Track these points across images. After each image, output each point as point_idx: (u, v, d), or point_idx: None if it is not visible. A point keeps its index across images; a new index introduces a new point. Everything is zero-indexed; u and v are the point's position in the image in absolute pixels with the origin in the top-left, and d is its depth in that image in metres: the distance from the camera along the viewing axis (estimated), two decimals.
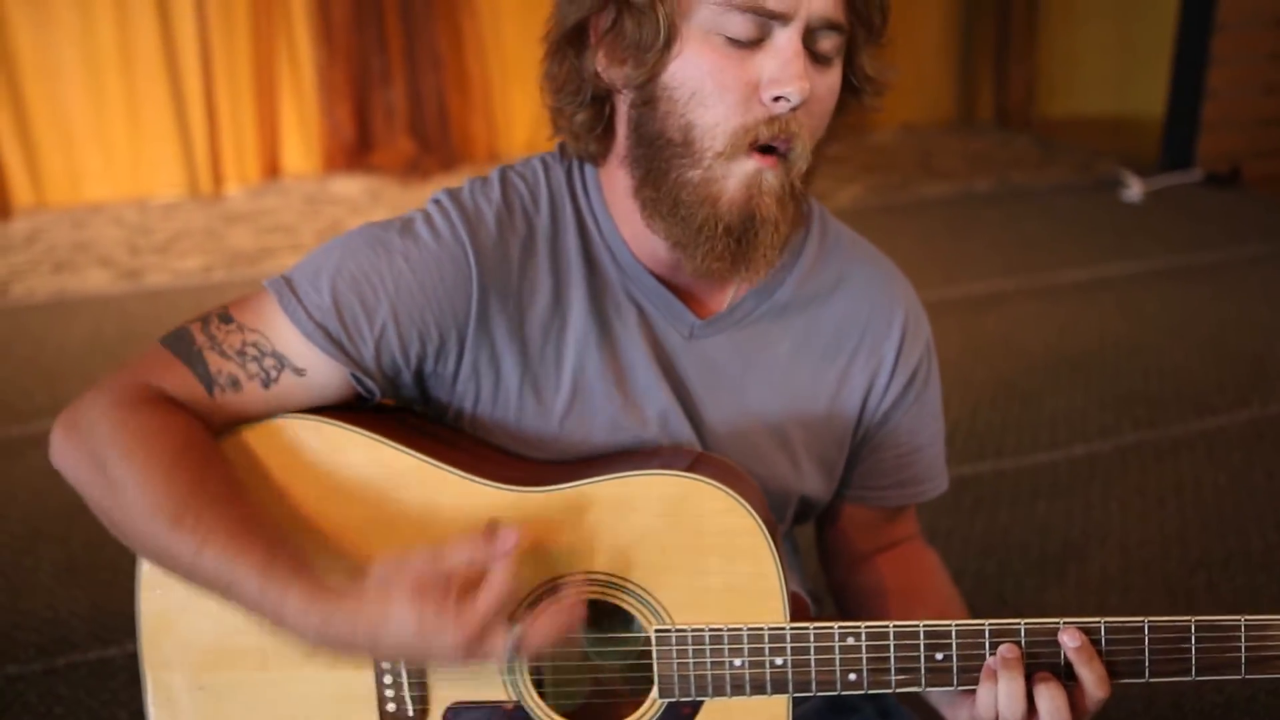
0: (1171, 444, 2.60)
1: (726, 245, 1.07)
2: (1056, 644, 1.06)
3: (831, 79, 1.07)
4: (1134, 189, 4.63)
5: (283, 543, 1.03)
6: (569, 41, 1.11)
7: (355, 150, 5.04)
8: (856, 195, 4.53)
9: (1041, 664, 1.07)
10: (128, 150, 4.75)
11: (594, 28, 1.08)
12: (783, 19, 1.00)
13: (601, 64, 1.08)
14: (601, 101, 1.11)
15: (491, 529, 0.99)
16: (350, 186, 4.86)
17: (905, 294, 1.28)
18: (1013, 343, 3.17)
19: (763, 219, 1.06)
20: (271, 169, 4.98)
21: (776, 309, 1.21)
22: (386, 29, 4.92)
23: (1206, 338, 3.23)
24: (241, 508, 1.04)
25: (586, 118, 1.12)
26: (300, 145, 5.03)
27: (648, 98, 1.05)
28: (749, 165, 1.04)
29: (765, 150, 1.04)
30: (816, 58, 1.04)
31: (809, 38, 1.02)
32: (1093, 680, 1.05)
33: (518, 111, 5.32)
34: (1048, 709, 1.04)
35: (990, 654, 1.07)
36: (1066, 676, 1.06)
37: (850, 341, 1.24)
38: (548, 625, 0.99)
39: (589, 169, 1.18)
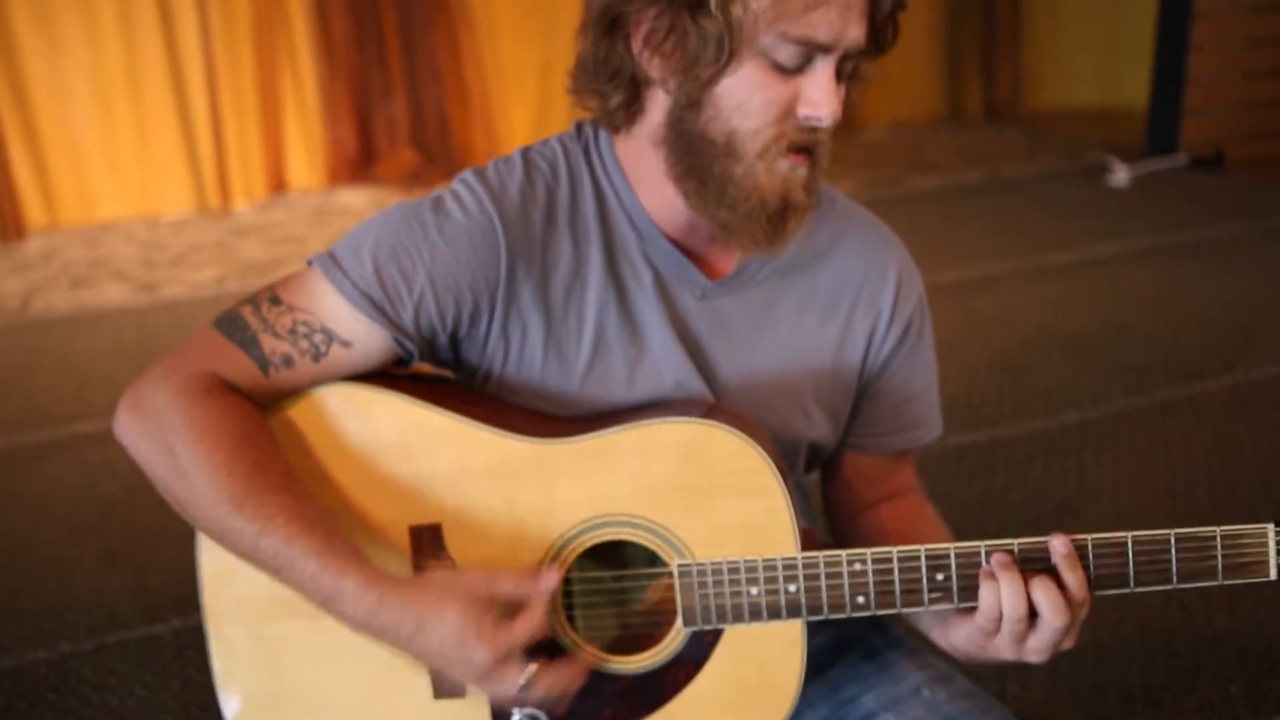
0: (1160, 409, 2.71)
1: (766, 229, 1.18)
2: (1047, 558, 1.15)
3: (845, 92, 1.18)
4: (1120, 174, 4.74)
5: (338, 531, 1.13)
6: (612, 29, 1.20)
7: (358, 163, 5.15)
8: (850, 191, 4.62)
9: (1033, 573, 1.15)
10: (137, 170, 4.86)
11: (639, 21, 1.18)
12: (827, 50, 1.12)
13: (649, 63, 1.18)
14: (638, 87, 1.21)
15: (537, 569, 1.10)
16: (355, 198, 4.98)
17: (898, 251, 1.38)
18: (1007, 321, 3.28)
19: (795, 206, 1.18)
20: (277, 184, 5.09)
21: (780, 269, 1.31)
22: (386, 44, 5.04)
23: (1192, 311, 3.34)
24: (299, 496, 1.14)
25: (622, 100, 1.22)
26: (305, 159, 5.15)
27: (694, 102, 1.16)
28: (784, 164, 1.16)
29: (799, 151, 1.16)
30: (839, 77, 1.16)
31: (840, 62, 1.14)
32: (1075, 584, 1.13)
33: (516, 121, 5.44)
34: (1048, 602, 1.11)
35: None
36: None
37: (849, 296, 1.33)
38: (556, 677, 1.10)
39: (604, 142, 1.27)
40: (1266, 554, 1.14)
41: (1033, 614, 1.13)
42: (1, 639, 2.05)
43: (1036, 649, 1.14)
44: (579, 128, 1.31)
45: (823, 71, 1.12)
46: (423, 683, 1.21)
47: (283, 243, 4.45)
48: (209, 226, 4.75)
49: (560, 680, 1.11)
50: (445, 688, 1.21)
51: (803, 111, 1.13)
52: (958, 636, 1.20)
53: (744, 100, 1.13)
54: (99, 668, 1.95)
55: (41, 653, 2.00)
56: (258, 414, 1.17)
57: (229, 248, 4.45)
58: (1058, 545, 1.13)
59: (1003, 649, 1.15)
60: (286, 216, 4.81)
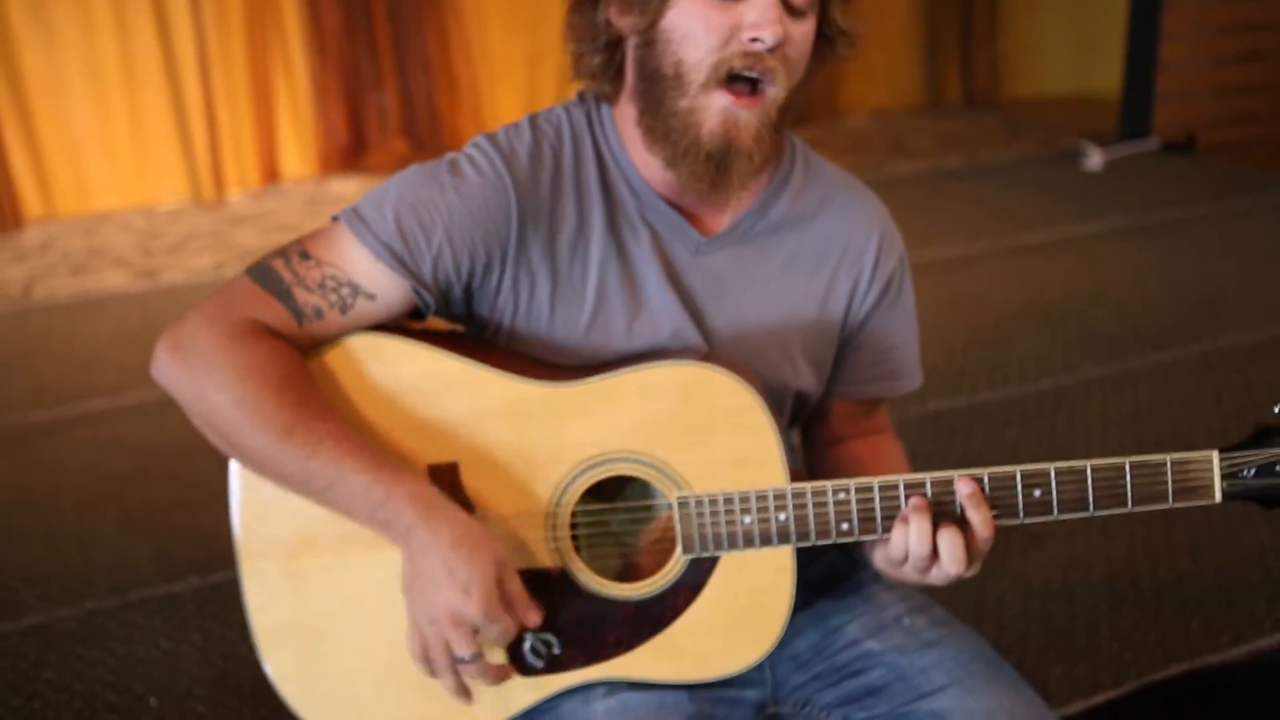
0: (1130, 376, 2.84)
1: (707, 168, 1.27)
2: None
3: (806, 28, 1.28)
4: (1094, 158, 4.87)
5: (382, 450, 1.24)
6: None
7: (350, 152, 5.24)
8: None
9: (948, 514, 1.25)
10: (132, 160, 4.94)
11: None
12: None
13: (613, 14, 1.29)
14: (613, 48, 1.32)
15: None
16: (347, 187, 5.07)
17: (880, 214, 1.48)
18: (984, 297, 3.41)
19: (738, 150, 1.27)
20: (270, 173, 5.18)
21: (770, 227, 1.41)
22: (376, 35, 5.13)
23: (1163, 286, 3.48)
24: (342, 421, 1.24)
25: (601, 61, 1.32)
26: (297, 149, 5.23)
27: (649, 40, 1.26)
28: (721, 100, 1.24)
29: (747, 85, 1.24)
30: (793, 10, 1.25)
31: None
32: (979, 523, 1.24)
33: (504, 111, 5.53)
34: (948, 550, 1.24)
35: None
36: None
37: (834, 254, 1.44)
38: (484, 673, 1.24)
39: (605, 110, 1.38)
40: (1211, 478, 1.25)
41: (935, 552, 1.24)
42: (28, 598, 2.14)
43: (937, 579, 1.27)
44: (582, 96, 1.41)
45: None
46: (416, 606, 1.30)
47: (277, 230, 4.54)
48: (204, 216, 4.83)
49: (486, 676, 1.25)
50: None
51: (745, 34, 1.21)
52: (875, 558, 1.32)
53: (688, 29, 1.23)
54: (124, 623, 2.05)
55: (67, 610, 2.10)
56: (298, 356, 1.27)
57: (225, 236, 4.54)
58: (961, 487, 1.24)
59: (908, 577, 1.29)
60: (280, 205, 4.90)
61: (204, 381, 1.23)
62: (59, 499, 2.54)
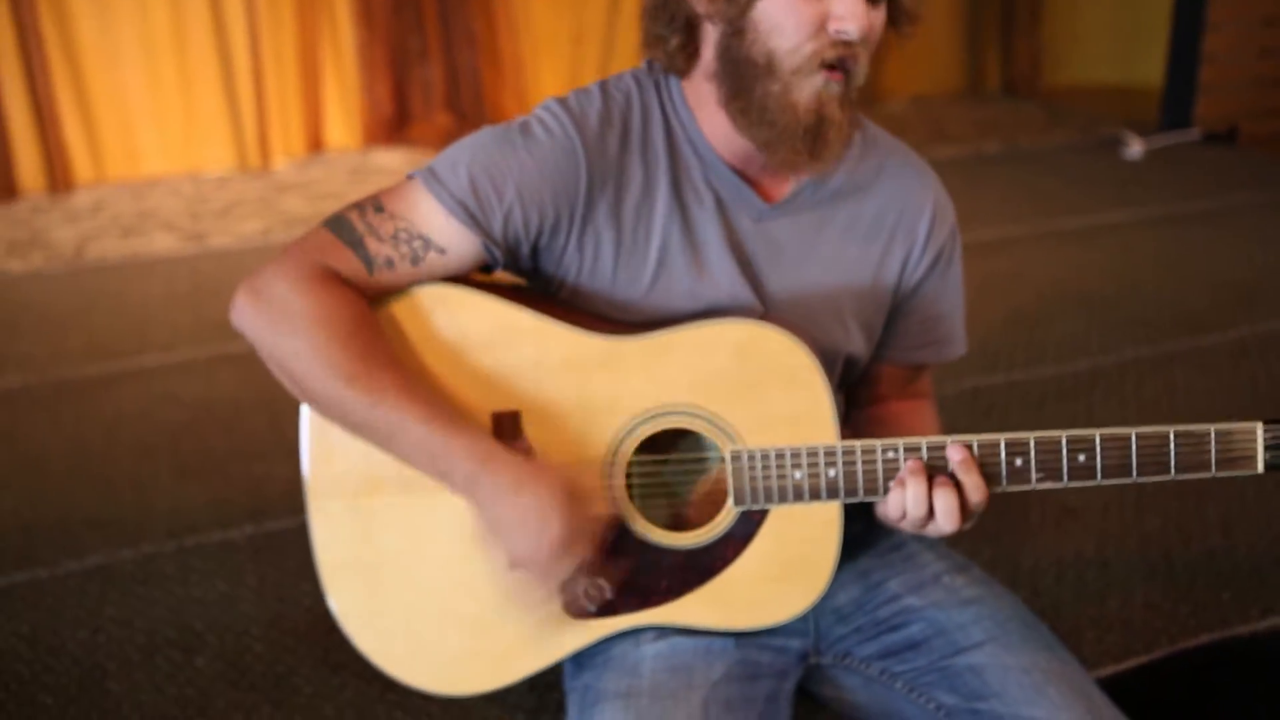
0: (1166, 358, 2.86)
1: (805, 143, 1.32)
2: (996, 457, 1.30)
3: (881, 14, 1.32)
4: (1135, 148, 4.87)
5: (443, 401, 1.29)
6: None
7: (394, 125, 5.30)
8: None
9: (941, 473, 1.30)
10: (181, 127, 5.02)
11: None
12: None
13: (698, 0, 1.34)
14: (692, 28, 1.37)
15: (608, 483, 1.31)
16: (390, 159, 5.13)
17: (934, 184, 1.52)
18: (1023, 279, 3.43)
19: (830, 120, 1.31)
20: (315, 143, 5.25)
21: (829, 196, 1.45)
22: (423, 9, 5.18)
23: (1201, 272, 3.50)
24: (406, 372, 1.29)
25: (680, 41, 1.37)
26: (342, 120, 5.30)
27: (737, 29, 1.30)
28: (817, 79, 1.29)
29: (831, 67, 1.29)
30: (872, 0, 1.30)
31: None
32: (971, 486, 1.29)
33: (547, 87, 5.57)
34: (942, 507, 1.29)
35: (1012, 460, 1.31)
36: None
37: (888, 223, 1.48)
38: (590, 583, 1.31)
39: (674, 80, 1.42)
40: (1255, 449, 1.29)
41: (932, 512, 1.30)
42: (90, 540, 2.22)
43: (934, 533, 1.33)
44: (650, 65, 1.45)
45: None
46: (499, 554, 1.36)
47: (323, 199, 4.60)
48: (250, 183, 4.91)
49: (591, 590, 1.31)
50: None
51: (832, 27, 1.26)
52: (877, 511, 1.36)
53: (779, 21, 1.27)
54: (181, 566, 2.12)
55: (127, 552, 2.17)
56: (366, 305, 1.32)
57: (271, 202, 4.61)
58: (951, 453, 1.30)
59: (906, 531, 1.35)
60: (324, 175, 4.97)
61: (278, 327, 1.28)
62: (116, 448, 2.62)
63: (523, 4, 5.35)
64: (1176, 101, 5.14)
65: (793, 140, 1.31)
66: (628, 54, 5.59)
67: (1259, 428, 1.29)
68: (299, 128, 5.19)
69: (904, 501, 1.30)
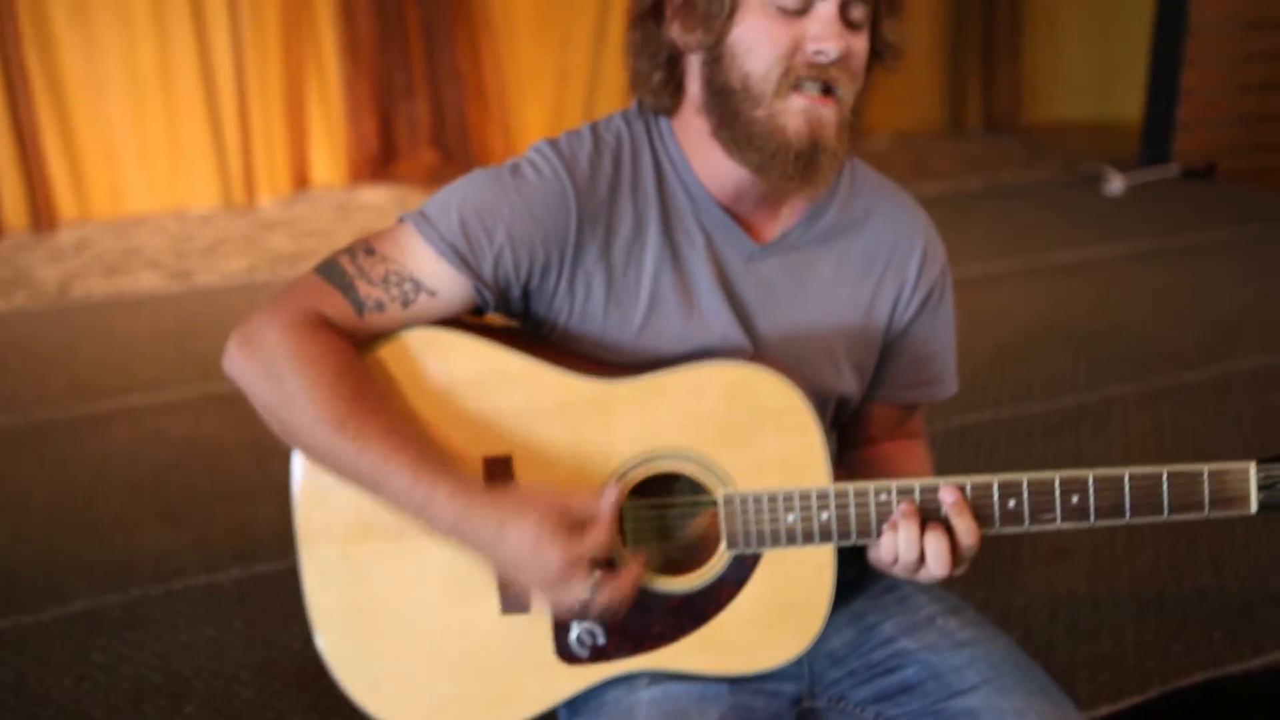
0: (1152, 394, 2.88)
1: (796, 167, 1.31)
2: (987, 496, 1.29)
3: (862, 42, 1.33)
4: (1115, 183, 4.91)
5: (429, 447, 1.28)
6: (649, 15, 1.36)
7: (379, 161, 5.32)
8: None
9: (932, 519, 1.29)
10: (166, 165, 5.02)
11: (669, 4, 1.34)
12: None
13: (676, 32, 1.34)
14: (674, 63, 1.37)
15: (602, 488, 1.26)
16: (376, 195, 5.14)
17: (925, 223, 1.53)
18: (1008, 315, 3.45)
19: (824, 146, 1.31)
20: (301, 180, 5.25)
21: (819, 236, 1.45)
22: (409, 46, 5.21)
23: (1184, 307, 3.53)
24: (393, 418, 1.28)
25: (662, 77, 1.37)
26: (328, 157, 5.31)
27: (716, 56, 1.31)
28: (799, 102, 1.29)
29: (820, 89, 1.28)
30: (851, 25, 1.30)
31: (844, 9, 1.29)
32: (963, 529, 1.29)
33: (531, 124, 5.61)
34: (934, 554, 1.28)
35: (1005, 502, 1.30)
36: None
37: (880, 263, 1.48)
38: (616, 584, 1.25)
39: (663, 120, 1.43)
40: (1249, 489, 1.28)
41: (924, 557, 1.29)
42: (75, 584, 2.20)
43: (925, 579, 1.32)
44: (640, 106, 1.46)
45: (824, 9, 1.26)
46: (491, 600, 1.35)
47: (309, 236, 4.60)
48: (235, 220, 4.91)
49: (620, 587, 1.25)
50: (511, 603, 1.36)
51: (809, 48, 1.26)
52: (868, 555, 1.35)
53: (753, 44, 1.28)
54: (168, 610, 2.10)
55: (114, 596, 2.15)
56: (354, 350, 1.31)
57: (257, 240, 4.61)
58: (944, 495, 1.29)
59: (898, 576, 1.33)
60: (309, 212, 4.97)
61: (267, 373, 1.27)
62: (102, 489, 2.60)
63: (508, 41, 5.39)
64: (1155, 137, 5.20)
65: (784, 164, 1.30)
66: (612, 91, 5.62)
67: (1252, 468, 1.28)
68: (284, 165, 5.20)
69: (896, 545, 1.29)
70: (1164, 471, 1.30)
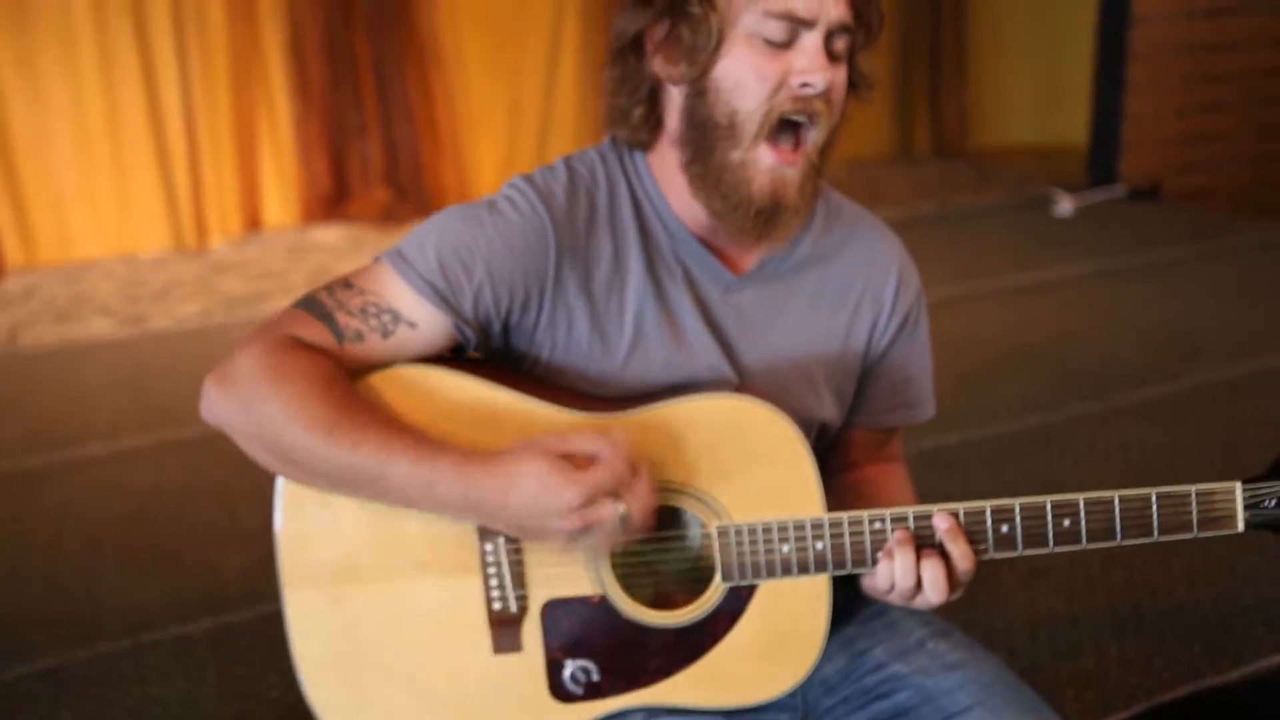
0: (1115, 412, 2.92)
1: (755, 223, 1.33)
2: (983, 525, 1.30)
3: (843, 74, 1.34)
4: (1065, 205, 4.99)
5: (422, 432, 1.26)
6: (629, 50, 1.36)
7: (332, 201, 5.27)
8: None
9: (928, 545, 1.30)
10: (114, 208, 4.94)
11: (650, 35, 1.34)
12: (809, 24, 1.28)
13: (659, 65, 1.34)
14: (655, 98, 1.38)
15: (604, 427, 1.24)
16: (329, 235, 5.10)
17: (899, 251, 1.55)
18: (969, 338, 3.49)
19: (786, 206, 1.33)
20: (253, 221, 5.20)
21: (796, 266, 1.46)
22: (361, 84, 5.19)
23: (1140, 326, 3.59)
24: (383, 415, 1.27)
25: (643, 111, 1.37)
26: (280, 198, 5.26)
27: (700, 90, 1.31)
28: (769, 159, 1.30)
29: (791, 128, 1.30)
30: (833, 56, 1.32)
31: (828, 40, 1.30)
32: (958, 554, 1.30)
33: (485, 160, 5.60)
34: (930, 581, 1.29)
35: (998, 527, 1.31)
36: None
37: (856, 290, 1.49)
38: (641, 499, 1.23)
39: (638, 154, 1.43)
40: (1235, 509, 1.30)
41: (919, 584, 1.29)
42: (39, 641, 2.14)
43: (922, 605, 1.33)
44: (614, 140, 1.46)
45: (810, 42, 1.27)
46: (483, 640, 1.33)
47: (263, 277, 4.56)
48: (186, 264, 4.84)
49: (641, 499, 1.23)
50: (504, 642, 1.34)
51: (795, 80, 1.27)
52: (862, 584, 1.36)
53: (740, 78, 1.28)
54: (138, 664, 2.05)
55: (81, 652, 2.10)
56: (336, 365, 1.29)
57: (210, 283, 4.55)
58: (938, 522, 1.30)
59: (894, 603, 1.34)
60: (262, 254, 4.92)
61: (249, 397, 1.25)
62: (62, 543, 2.54)
63: (459, 78, 5.39)
64: (1101, 159, 5.30)
65: (744, 218, 1.32)
66: (565, 126, 5.64)
67: (1238, 487, 1.30)
68: (235, 206, 5.14)
69: (892, 573, 1.29)
70: (1153, 493, 1.31)
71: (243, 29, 5.01)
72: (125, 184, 4.93)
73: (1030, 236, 4.68)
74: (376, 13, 5.15)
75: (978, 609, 2.07)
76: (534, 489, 1.20)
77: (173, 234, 5.01)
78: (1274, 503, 1.29)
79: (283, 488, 1.32)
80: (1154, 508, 1.30)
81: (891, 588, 1.30)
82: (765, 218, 1.32)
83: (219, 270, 4.72)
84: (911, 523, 1.31)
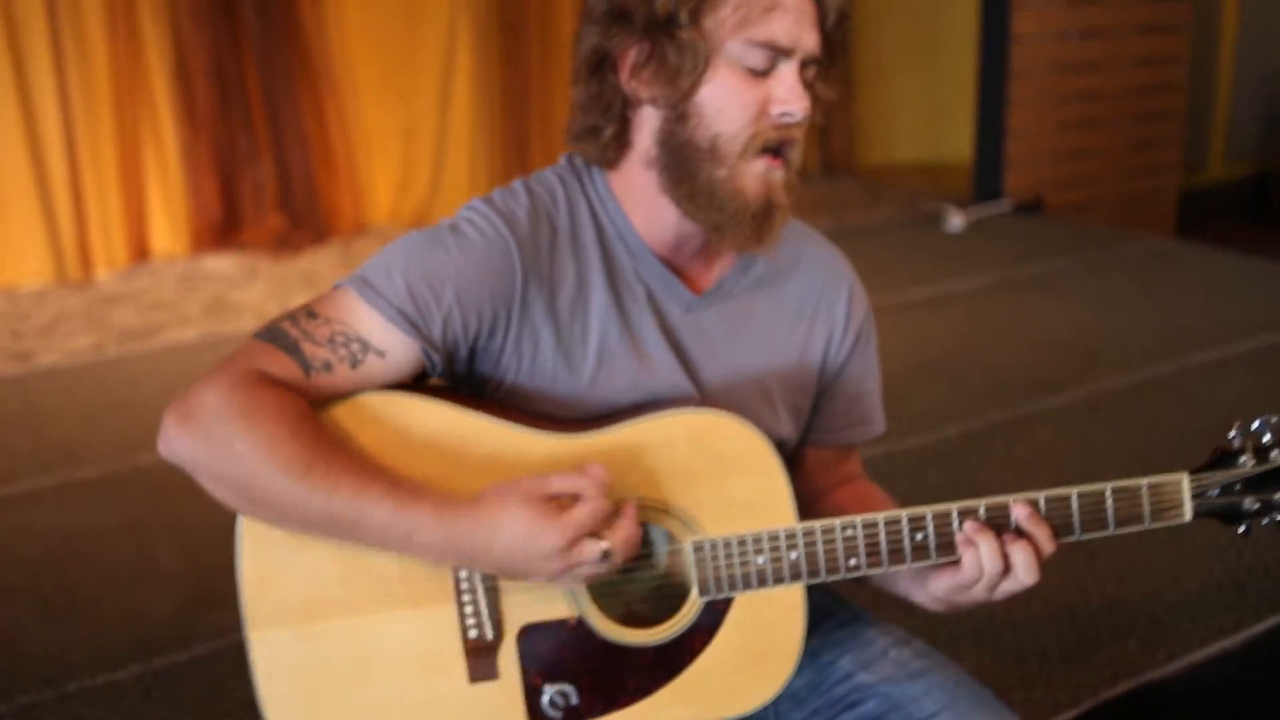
0: (1028, 419, 3.02)
1: (753, 227, 1.34)
2: (1007, 516, 1.34)
3: (811, 100, 1.37)
4: (955, 220, 5.15)
5: (399, 476, 1.24)
6: (600, 68, 1.36)
7: (224, 229, 5.12)
8: None
9: (1000, 533, 1.33)
10: None
11: (625, 55, 1.34)
12: (788, 53, 1.30)
13: (635, 85, 1.34)
14: (627, 117, 1.38)
15: (582, 465, 1.24)
16: (221, 264, 4.95)
17: (848, 269, 1.58)
18: (880, 352, 3.54)
19: (777, 205, 1.35)
20: (140, 251, 5.02)
21: (752, 284, 1.48)
22: (251, 109, 5.07)
23: (1038, 336, 3.72)
24: (357, 457, 1.25)
25: (615, 130, 1.37)
26: (168, 227, 5.08)
27: (681, 114, 1.32)
28: (759, 165, 1.32)
29: (772, 152, 1.32)
30: (806, 84, 1.34)
31: (801, 69, 1.32)
32: (1043, 538, 1.33)
33: (379, 182, 5.53)
34: (1021, 559, 1.31)
35: (959, 530, 1.34)
36: None
37: (810, 307, 1.52)
38: (624, 533, 1.24)
39: (596, 174, 1.43)
40: (1183, 499, 1.35)
41: (1008, 567, 1.32)
42: None
43: (1005, 593, 1.34)
44: (570, 160, 1.46)
45: (787, 72, 1.30)
46: (458, 668, 1.31)
47: (155, 309, 4.41)
48: (72, 296, 4.65)
49: (626, 535, 1.24)
50: (480, 670, 1.32)
51: (775, 110, 1.29)
52: (939, 588, 1.37)
53: (723, 104, 1.30)
54: (63, 715, 1.96)
55: None
56: (305, 402, 1.27)
57: (99, 316, 4.38)
58: (1019, 511, 1.32)
59: (978, 596, 1.35)
60: (153, 284, 4.76)
61: (218, 435, 1.22)
62: None
63: (353, 101, 5.30)
64: (987, 175, 5.48)
65: (742, 225, 1.33)
66: (460, 148, 5.59)
67: (1185, 478, 1.35)
68: (121, 236, 4.95)
69: (980, 560, 1.31)
70: (1108, 487, 1.35)
71: (124, 51, 4.84)
72: (3, 213, 4.71)
73: (924, 251, 4.81)
74: (265, 36, 5.04)
75: (919, 619, 2.10)
76: (519, 535, 1.20)
77: (55, 265, 4.80)
78: (1217, 492, 1.35)
79: (243, 524, 1.28)
80: (1109, 501, 1.35)
81: (979, 577, 1.31)
82: (760, 220, 1.33)
83: (108, 302, 4.55)
84: (882, 527, 1.33)
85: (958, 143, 5.82)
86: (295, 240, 5.10)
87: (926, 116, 6.35)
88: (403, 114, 5.50)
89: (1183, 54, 5.71)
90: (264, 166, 5.11)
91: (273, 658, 1.30)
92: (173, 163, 5.03)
